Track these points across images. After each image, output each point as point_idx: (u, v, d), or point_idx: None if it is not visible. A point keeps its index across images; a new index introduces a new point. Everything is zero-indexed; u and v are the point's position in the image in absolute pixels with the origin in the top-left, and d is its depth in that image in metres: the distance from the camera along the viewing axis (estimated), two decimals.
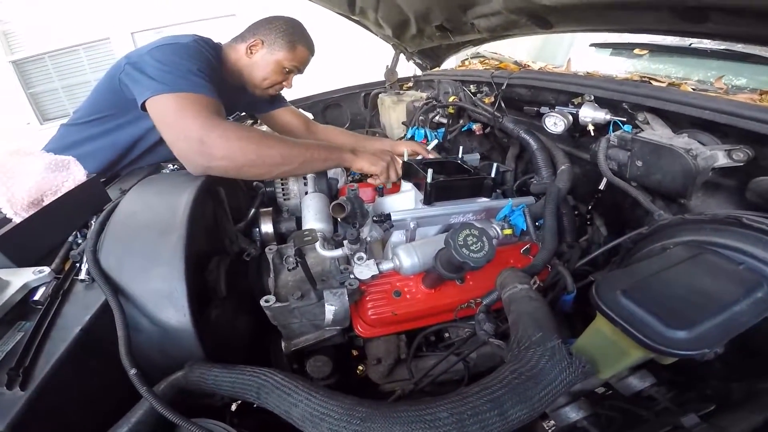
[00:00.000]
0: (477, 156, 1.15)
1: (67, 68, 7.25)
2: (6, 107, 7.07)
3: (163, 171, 1.11)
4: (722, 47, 1.18)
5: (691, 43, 1.27)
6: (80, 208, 0.88)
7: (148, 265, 0.68)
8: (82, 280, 0.69)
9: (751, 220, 0.59)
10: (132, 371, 0.57)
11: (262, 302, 0.74)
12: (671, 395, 0.61)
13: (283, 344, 0.86)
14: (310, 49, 1.22)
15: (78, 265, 0.72)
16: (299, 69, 1.22)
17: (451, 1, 1.22)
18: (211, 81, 0.97)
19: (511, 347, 0.53)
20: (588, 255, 0.85)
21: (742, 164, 0.73)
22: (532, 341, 0.51)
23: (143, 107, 0.92)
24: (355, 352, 0.99)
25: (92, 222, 0.84)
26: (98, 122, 1.10)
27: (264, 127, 1.49)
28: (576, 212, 1.04)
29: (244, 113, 1.48)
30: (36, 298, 0.65)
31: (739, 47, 1.13)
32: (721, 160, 0.74)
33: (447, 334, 0.95)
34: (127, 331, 0.62)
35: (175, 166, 1.07)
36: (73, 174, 1.02)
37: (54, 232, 0.81)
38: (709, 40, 1.11)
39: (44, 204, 0.82)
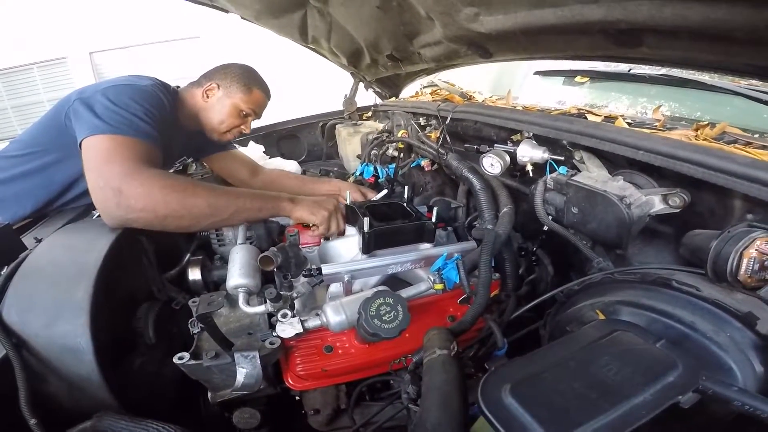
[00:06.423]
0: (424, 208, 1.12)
1: (19, 87, 6.86)
2: None
3: (92, 214, 1.05)
4: (660, 72, 1.16)
5: (630, 69, 1.26)
6: None
7: (51, 321, 0.68)
8: None
9: (680, 283, 0.55)
10: (32, 421, 0.59)
11: (175, 359, 0.71)
12: None
13: (209, 395, 0.80)
14: (266, 93, 1.22)
15: None
16: (256, 112, 1.22)
17: (397, 30, 1.20)
18: (157, 127, 0.93)
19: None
20: (533, 299, 0.80)
21: (678, 210, 0.68)
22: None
23: (80, 146, 0.88)
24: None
25: (2, 272, 0.79)
26: (34, 156, 1.03)
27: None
28: (522, 252, 1.00)
29: (191, 159, 1.45)
30: None
31: (677, 73, 1.11)
32: (657, 206, 0.70)
33: (392, 381, 0.89)
34: (27, 384, 0.62)
35: None
36: None
37: None
38: (648, 66, 1.08)
39: None
